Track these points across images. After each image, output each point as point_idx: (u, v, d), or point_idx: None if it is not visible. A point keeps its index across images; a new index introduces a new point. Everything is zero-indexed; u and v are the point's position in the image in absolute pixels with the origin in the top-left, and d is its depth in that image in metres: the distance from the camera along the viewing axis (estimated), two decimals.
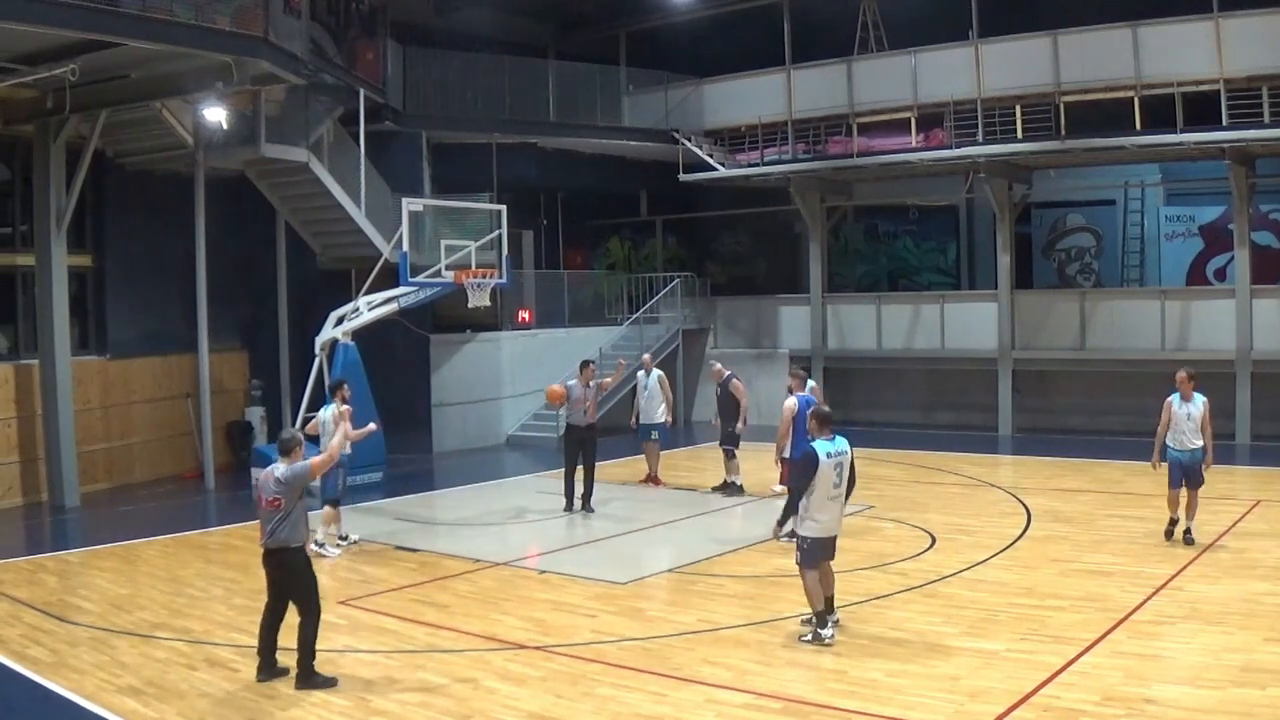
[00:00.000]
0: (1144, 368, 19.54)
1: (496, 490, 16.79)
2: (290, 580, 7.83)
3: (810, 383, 13.51)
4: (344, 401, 11.86)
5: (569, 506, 14.13)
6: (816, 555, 8.28)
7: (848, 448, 8.41)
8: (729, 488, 14.97)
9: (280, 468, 7.79)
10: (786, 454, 11.94)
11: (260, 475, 7.97)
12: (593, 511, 14.01)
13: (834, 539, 8.42)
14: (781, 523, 12.17)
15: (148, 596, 10.33)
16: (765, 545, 11.90)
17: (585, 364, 14.88)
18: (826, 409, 8.69)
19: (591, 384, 14.49)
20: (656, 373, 15.77)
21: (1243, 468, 16.55)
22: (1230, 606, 8.84)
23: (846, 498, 8.53)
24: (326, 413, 11.97)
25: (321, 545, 11.85)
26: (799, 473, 8.17)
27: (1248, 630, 8.20)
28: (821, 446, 8.21)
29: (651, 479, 15.82)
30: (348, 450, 11.70)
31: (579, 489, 14.07)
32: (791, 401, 12.05)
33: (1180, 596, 9.23)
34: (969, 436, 20.39)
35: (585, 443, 14.23)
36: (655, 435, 15.69)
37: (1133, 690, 7.05)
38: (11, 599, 10.26)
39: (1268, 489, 14.31)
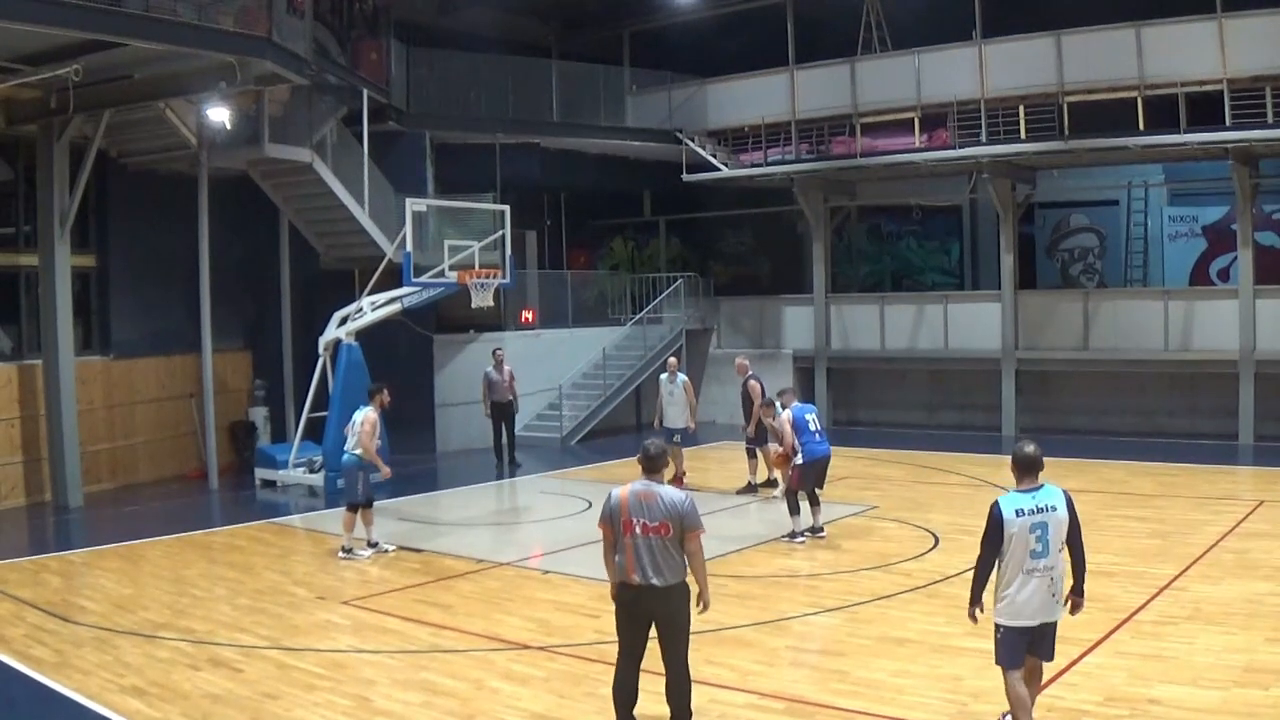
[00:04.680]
0: (1147, 368, 19.58)
1: (499, 490, 16.82)
2: (677, 625, 6.48)
3: (779, 408, 13.49)
4: (382, 406, 12.28)
5: (499, 467, 17.76)
6: (1011, 649, 6.12)
7: (1059, 502, 6.05)
8: (750, 488, 15.00)
9: (671, 489, 6.51)
10: (799, 460, 11.94)
11: (625, 493, 6.46)
12: (519, 466, 17.97)
13: (1040, 630, 6.10)
14: (811, 527, 12.38)
15: (151, 597, 10.34)
16: (769, 545, 11.93)
17: (494, 351, 18.32)
18: (1028, 450, 6.12)
19: (505, 367, 17.95)
20: (682, 378, 15.70)
21: (1245, 468, 16.55)
22: (1233, 607, 8.83)
23: (1078, 571, 6.19)
24: (360, 413, 12.04)
25: (350, 551, 11.82)
26: (986, 534, 6.09)
27: (1250, 630, 8.19)
28: (1011, 501, 6.04)
29: (677, 478, 15.71)
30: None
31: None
32: (786, 414, 12.09)
33: (1183, 597, 9.22)
34: (972, 437, 20.37)
35: (506, 415, 18.05)
36: (677, 439, 15.56)
37: (1136, 690, 7.05)
38: (15, 599, 10.28)
39: (1270, 489, 14.29)
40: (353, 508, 11.87)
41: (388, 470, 12.27)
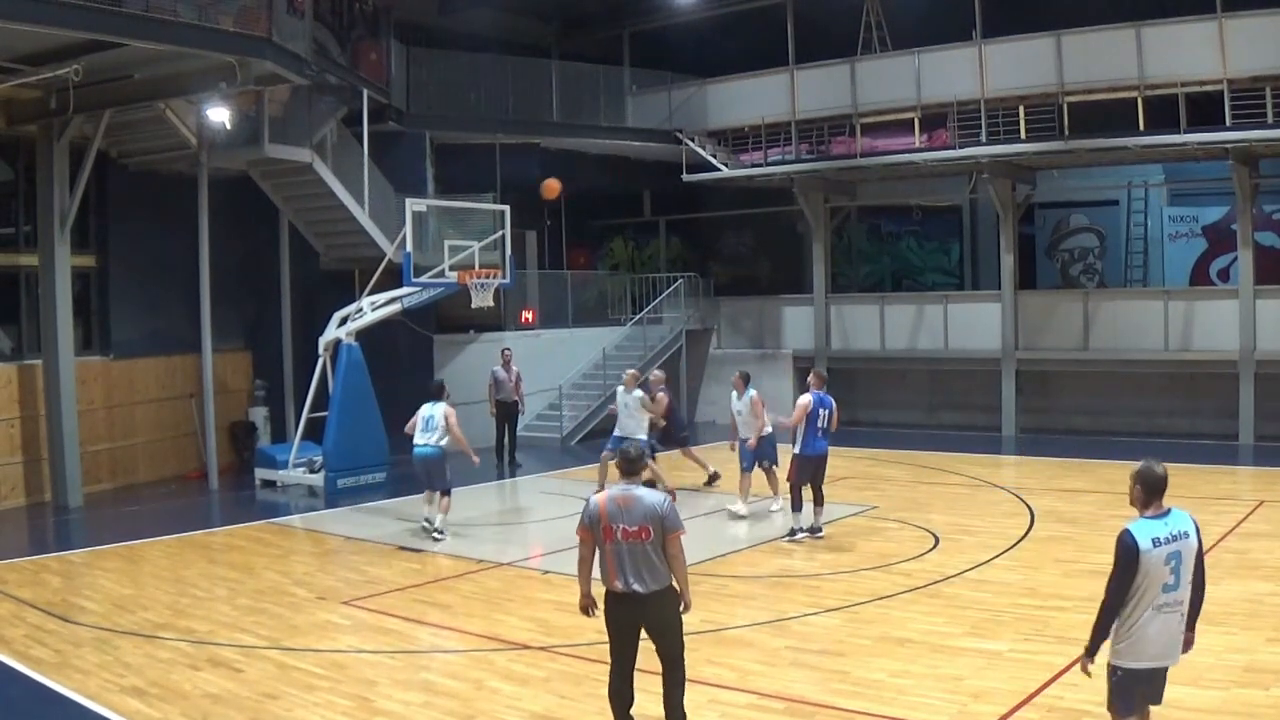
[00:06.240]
0: (1147, 368, 19.58)
1: (499, 491, 16.81)
2: (667, 630, 6.38)
3: (751, 392, 13.38)
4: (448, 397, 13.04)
5: (500, 467, 17.60)
6: (1131, 693, 5.37)
7: (1192, 529, 5.39)
8: (715, 477, 15.17)
9: (650, 492, 6.39)
10: (797, 450, 11.93)
11: (604, 499, 6.35)
12: (520, 466, 18.05)
13: (1163, 672, 5.41)
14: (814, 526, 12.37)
15: (151, 597, 10.34)
16: (769, 545, 11.94)
17: (503, 350, 18.50)
18: (1159, 471, 5.47)
19: (514, 367, 18.12)
20: (637, 393, 14.93)
21: (1246, 468, 16.54)
22: (1233, 607, 8.82)
23: (1196, 606, 5.44)
24: (438, 408, 12.73)
25: (442, 532, 12.60)
26: (1120, 569, 5.28)
27: (1250, 630, 8.19)
28: (1145, 529, 5.30)
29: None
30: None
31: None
32: (806, 398, 11.96)
33: None
34: (972, 437, 20.37)
35: (510, 415, 18.18)
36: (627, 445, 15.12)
37: None
38: (15, 599, 10.28)
39: (1271, 489, 14.29)
40: (447, 492, 12.76)
41: (476, 458, 13.18)
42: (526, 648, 8.53)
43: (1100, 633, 5.34)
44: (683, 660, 6.44)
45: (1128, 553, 5.24)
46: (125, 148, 17.25)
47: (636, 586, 6.17)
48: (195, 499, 16.33)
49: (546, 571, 11.11)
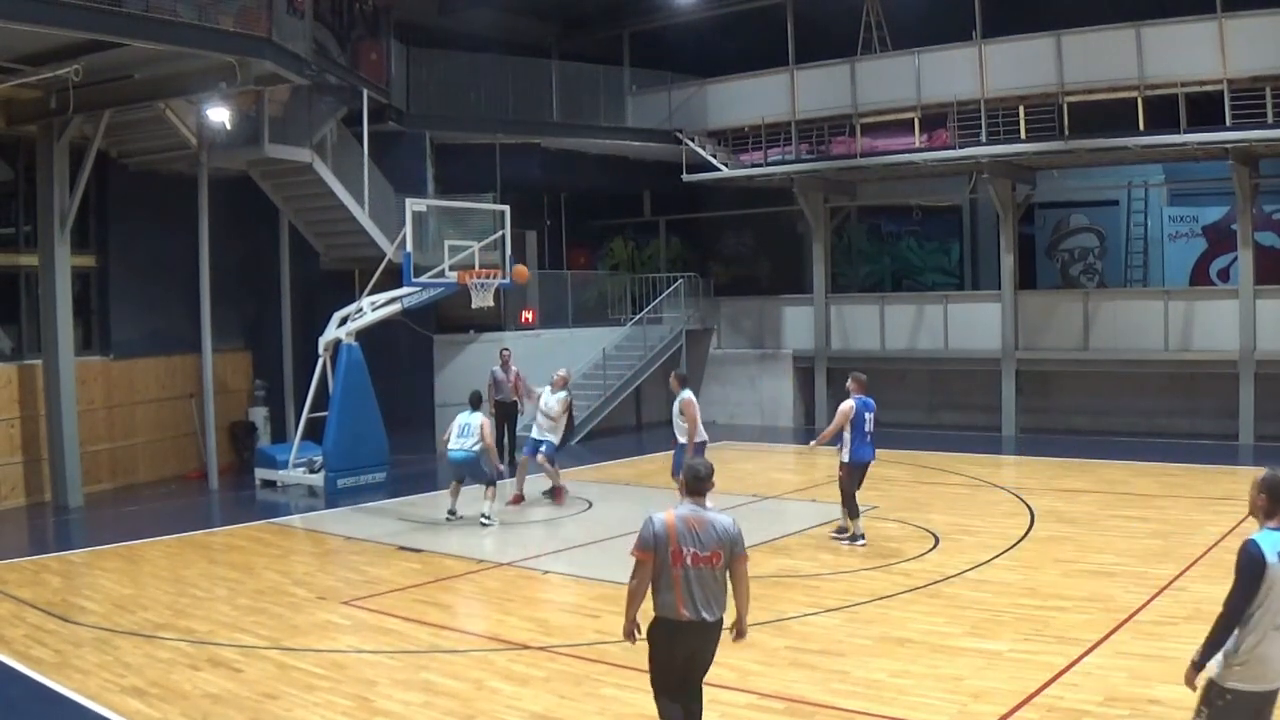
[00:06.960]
0: (1147, 368, 19.58)
1: (499, 491, 16.78)
2: (710, 659, 5.94)
3: (683, 394, 12.94)
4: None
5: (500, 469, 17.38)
6: (1236, 717, 4.95)
7: None
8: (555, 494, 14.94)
9: (720, 515, 5.85)
10: (846, 458, 11.86)
11: (672, 518, 5.72)
12: None
13: (1274, 694, 4.96)
14: (848, 528, 12.22)
15: (151, 597, 10.34)
16: (769, 545, 11.93)
17: (502, 351, 18.27)
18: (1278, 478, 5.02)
19: (512, 367, 17.85)
20: (562, 394, 14.93)
21: (1246, 468, 16.49)
22: None
23: None
24: (475, 417, 13.49)
25: (455, 515, 13.54)
26: (1242, 582, 4.81)
27: None
28: (1271, 541, 4.84)
29: (516, 498, 14.99)
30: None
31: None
32: (848, 404, 11.87)
33: (1184, 597, 9.22)
34: (972, 437, 20.37)
35: (510, 415, 17.99)
36: (544, 449, 14.79)
37: (1136, 690, 7.05)
38: (15, 599, 10.27)
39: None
40: (491, 483, 13.56)
41: (502, 466, 14.33)
42: (526, 648, 8.53)
43: (1214, 646, 4.92)
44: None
45: (1253, 565, 4.78)
46: (125, 148, 17.25)
47: (706, 615, 5.68)
48: (195, 499, 16.33)
49: (546, 571, 11.11)
